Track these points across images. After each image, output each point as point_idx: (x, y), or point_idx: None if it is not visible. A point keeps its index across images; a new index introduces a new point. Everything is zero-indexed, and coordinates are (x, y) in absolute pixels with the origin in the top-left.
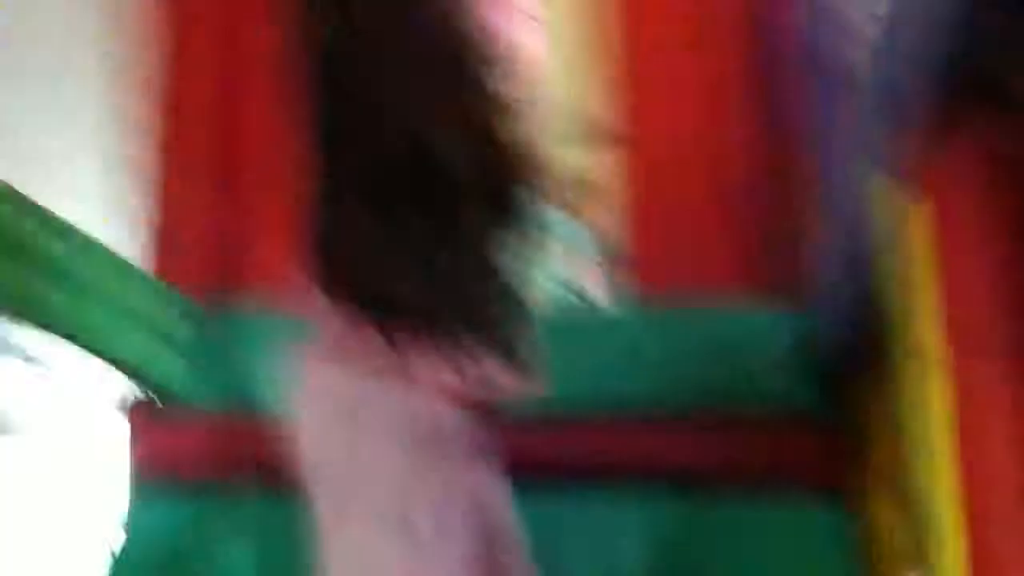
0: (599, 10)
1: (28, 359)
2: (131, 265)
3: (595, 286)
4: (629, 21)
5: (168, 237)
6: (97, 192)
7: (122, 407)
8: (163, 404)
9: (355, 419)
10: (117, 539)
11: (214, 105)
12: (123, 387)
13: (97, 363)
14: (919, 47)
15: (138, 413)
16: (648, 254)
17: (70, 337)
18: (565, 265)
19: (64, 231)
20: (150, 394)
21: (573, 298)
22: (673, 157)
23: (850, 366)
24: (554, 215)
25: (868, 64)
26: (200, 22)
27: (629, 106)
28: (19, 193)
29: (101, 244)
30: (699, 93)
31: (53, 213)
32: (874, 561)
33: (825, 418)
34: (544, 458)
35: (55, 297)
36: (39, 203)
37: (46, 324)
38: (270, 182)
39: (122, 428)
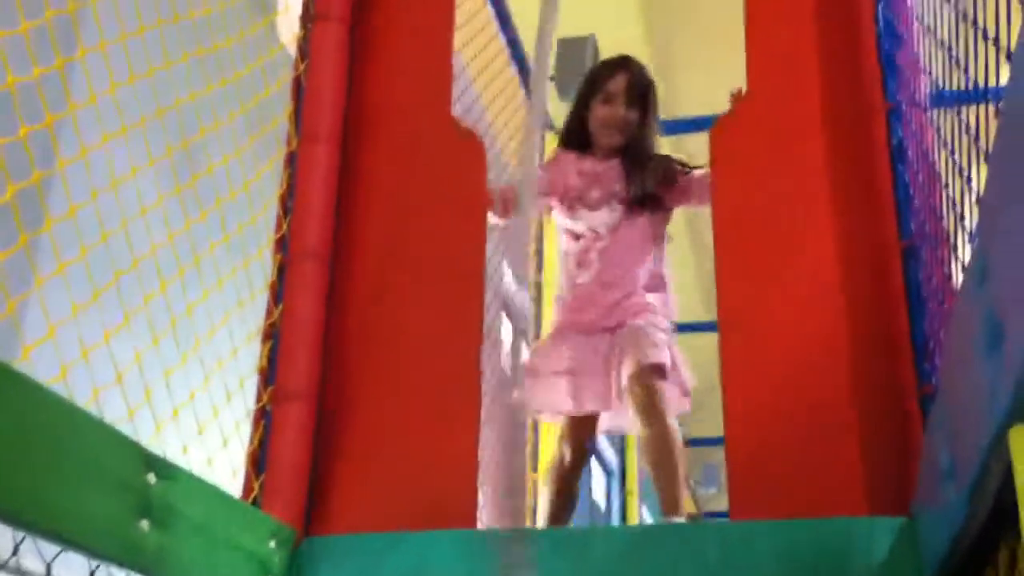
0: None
1: None
2: (232, 498)
3: None
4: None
5: (272, 468)
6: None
7: None
8: None
9: None
10: None
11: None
12: None
13: None
14: None
15: None
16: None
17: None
18: None
19: (168, 470)
20: None
21: None
22: (773, 361)
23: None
24: None
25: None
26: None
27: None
28: (122, 435)
29: (202, 480)
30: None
31: (161, 456)
32: None
33: None
34: None
35: (159, 537)
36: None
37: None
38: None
39: None
